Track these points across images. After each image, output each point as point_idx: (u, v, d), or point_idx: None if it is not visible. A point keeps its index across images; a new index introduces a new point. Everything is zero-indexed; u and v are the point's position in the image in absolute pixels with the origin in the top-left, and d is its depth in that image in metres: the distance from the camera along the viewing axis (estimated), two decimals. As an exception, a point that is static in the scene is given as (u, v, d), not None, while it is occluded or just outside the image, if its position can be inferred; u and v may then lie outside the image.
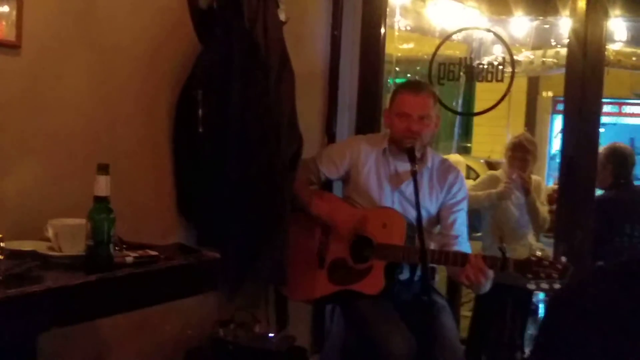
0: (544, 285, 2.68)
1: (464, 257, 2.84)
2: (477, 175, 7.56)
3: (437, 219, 3.14)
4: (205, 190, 2.82)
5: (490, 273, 2.82)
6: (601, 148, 4.31)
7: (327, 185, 3.51)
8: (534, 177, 4.65)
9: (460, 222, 3.10)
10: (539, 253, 2.77)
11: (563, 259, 2.71)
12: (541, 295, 4.68)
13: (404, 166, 3.01)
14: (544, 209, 4.60)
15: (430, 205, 3.09)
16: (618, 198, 4.37)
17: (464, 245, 3.07)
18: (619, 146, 4.55)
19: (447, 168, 3.17)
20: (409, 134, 2.97)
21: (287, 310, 3.42)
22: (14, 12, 2.22)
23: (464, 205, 3.14)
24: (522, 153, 4.54)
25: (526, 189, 4.51)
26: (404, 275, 3.05)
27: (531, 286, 2.71)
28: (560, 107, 4.28)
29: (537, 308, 4.96)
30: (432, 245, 3.02)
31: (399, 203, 3.08)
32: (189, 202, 2.88)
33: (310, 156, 3.25)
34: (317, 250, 3.12)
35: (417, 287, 2.98)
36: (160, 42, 2.75)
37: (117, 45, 2.59)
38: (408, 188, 3.00)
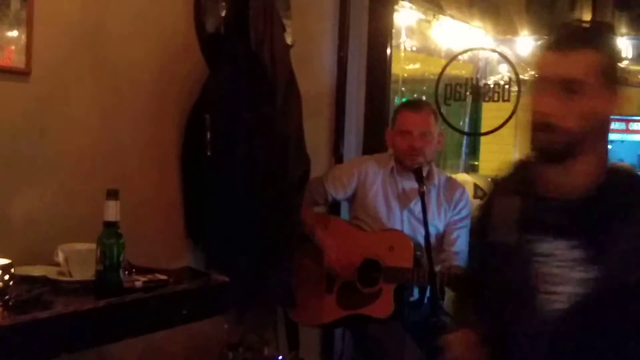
0: None
1: None
2: (485, 194, 7.52)
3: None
4: (214, 214, 2.82)
5: None
6: None
7: (335, 205, 3.51)
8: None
9: (462, 239, 3.10)
10: None
11: None
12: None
13: (412, 184, 3.01)
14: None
15: (439, 223, 3.09)
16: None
17: (463, 262, 3.06)
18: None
19: (453, 185, 3.20)
20: (412, 151, 3.00)
21: (297, 332, 3.40)
22: (24, 37, 2.22)
23: (468, 222, 3.15)
24: None
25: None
26: (414, 296, 3.04)
27: None
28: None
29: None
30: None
31: (408, 222, 3.08)
32: (198, 226, 2.88)
33: (316, 177, 3.25)
34: (325, 274, 3.11)
35: (427, 308, 2.97)
36: (169, 66, 2.77)
37: (125, 69, 2.61)
38: (417, 206, 3.01)
